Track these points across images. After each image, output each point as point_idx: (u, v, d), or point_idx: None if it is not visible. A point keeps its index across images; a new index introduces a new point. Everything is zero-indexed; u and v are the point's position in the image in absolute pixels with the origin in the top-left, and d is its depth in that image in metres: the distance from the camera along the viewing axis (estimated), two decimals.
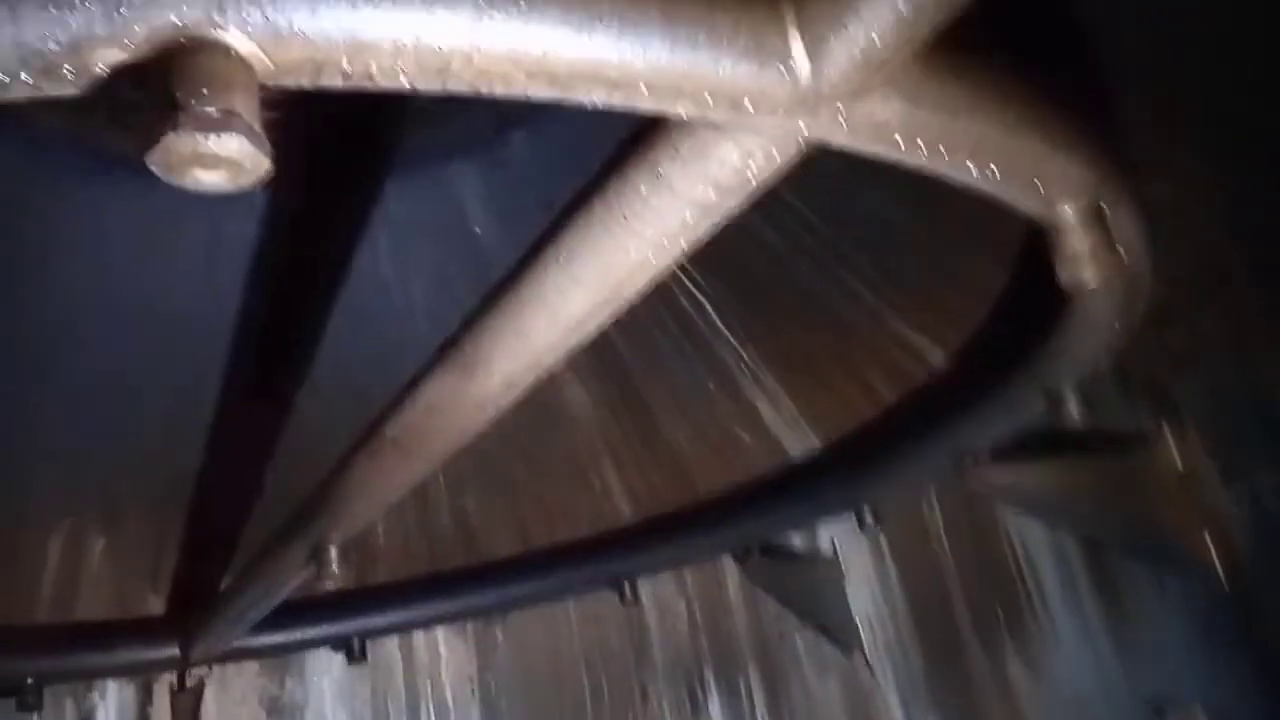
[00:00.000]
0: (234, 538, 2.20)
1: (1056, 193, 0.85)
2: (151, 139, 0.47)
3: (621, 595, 2.15)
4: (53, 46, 0.46)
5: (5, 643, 1.86)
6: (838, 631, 2.33)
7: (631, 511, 2.34)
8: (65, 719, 2.07)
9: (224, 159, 0.48)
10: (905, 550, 2.37)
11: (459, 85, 0.54)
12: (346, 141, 1.90)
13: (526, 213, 2.07)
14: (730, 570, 2.32)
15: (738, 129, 0.63)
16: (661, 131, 0.68)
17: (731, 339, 2.00)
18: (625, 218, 0.72)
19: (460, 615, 2.32)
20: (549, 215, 2.10)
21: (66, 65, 0.47)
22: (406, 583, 2.26)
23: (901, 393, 1.95)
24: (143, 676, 2.13)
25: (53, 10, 0.45)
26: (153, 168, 0.48)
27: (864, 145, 0.67)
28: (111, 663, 1.92)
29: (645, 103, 0.58)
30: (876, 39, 0.56)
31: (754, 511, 2.14)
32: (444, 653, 2.36)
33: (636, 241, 0.74)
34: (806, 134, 0.64)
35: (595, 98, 0.57)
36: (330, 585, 1.36)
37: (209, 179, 0.49)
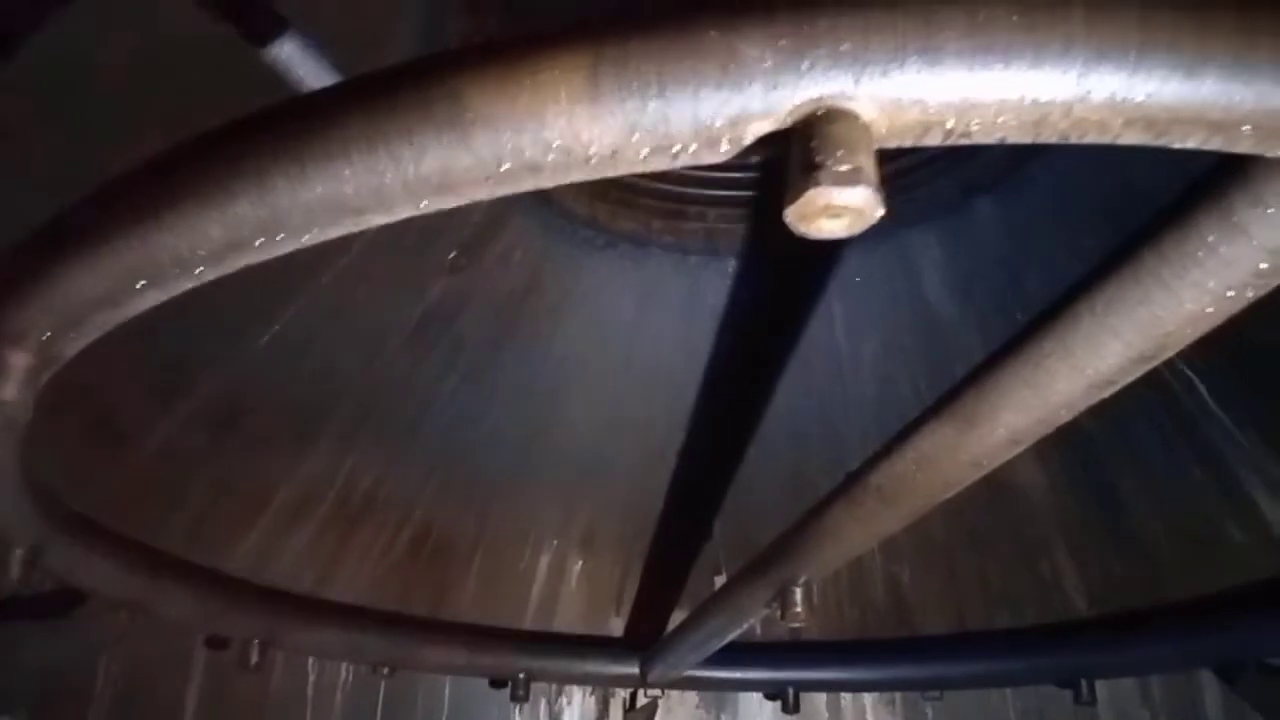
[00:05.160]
0: (683, 576, 2.40)
1: None
2: (793, 195, 0.56)
3: (1077, 694, 1.97)
4: (719, 121, 0.58)
5: (505, 642, 2.19)
6: None
7: (1086, 605, 2.15)
8: (540, 715, 2.38)
9: (849, 209, 0.56)
10: None
11: (1050, 135, 0.57)
12: None
13: (984, 280, 2.06)
14: (1210, 685, 2.02)
15: None
16: (1240, 175, 0.65)
17: (1227, 422, 1.78)
18: (1184, 267, 0.70)
19: (890, 685, 2.28)
20: (1010, 283, 2.04)
21: (727, 136, 0.59)
22: (839, 643, 2.28)
23: None
24: (602, 690, 2.39)
25: (725, 92, 0.57)
26: (788, 219, 0.57)
27: None
28: (584, 671, 2.17)
29: (1244, 145, 0.57)
30: None
31: (1246, 623, 1.85)
32: None
33: (1194, 293, 0.71)
34: None
35: (1190, 142, 0.57)
36: (795, 625, 1.43)
37: (830, 227, 0.58)
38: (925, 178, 1.93)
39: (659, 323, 2.18)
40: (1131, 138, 0.57)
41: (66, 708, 1.87)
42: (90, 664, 1.87)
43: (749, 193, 2.16)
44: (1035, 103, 0.55)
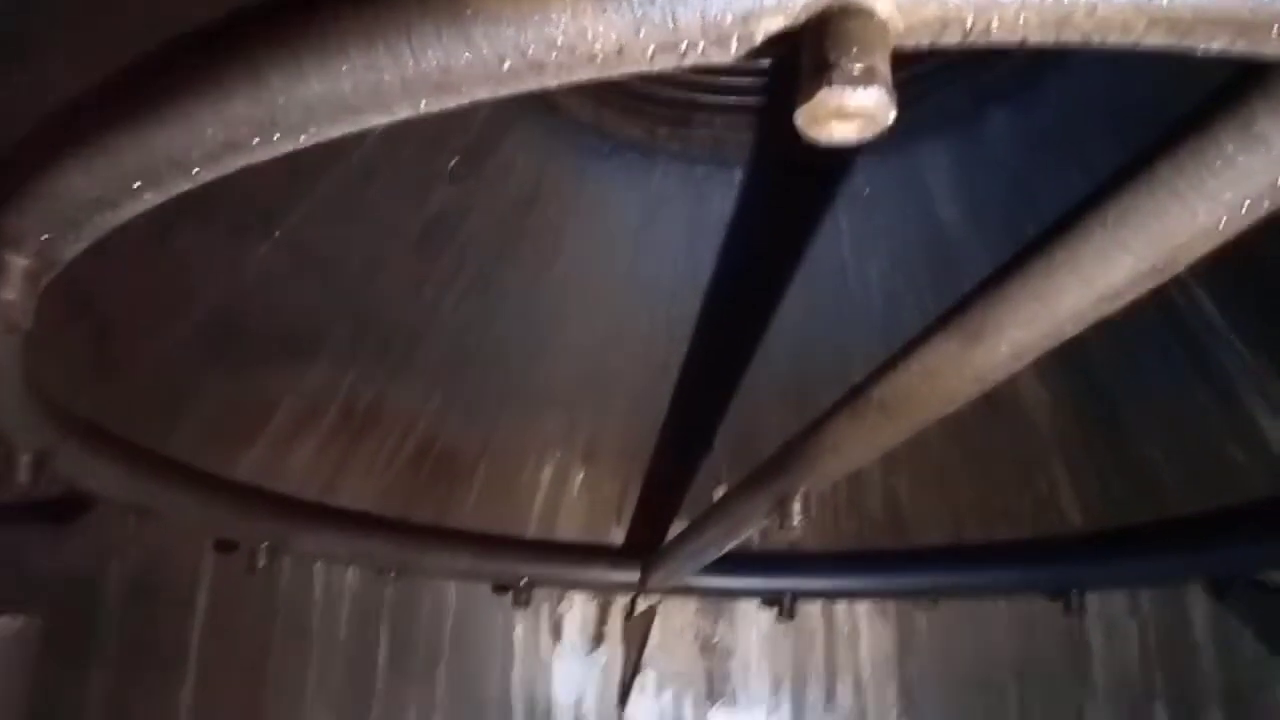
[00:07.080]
0: (684, 487, 2.44)
1: None
2: (804, 96, 0.54)
3: (1067, 605, 2.01)
4: (729, 18, 0.56)
5: (508, 549, 2.24)
6: None
7: (1082, 520, 2.18)
8: (542, 620, 2.45)
9: (862, 111, 0.54)
10: None
11: (1073, 36, 0.55)
12: None
13: (995, 194, 2.03)
14: (1197, 599, 2.07)
15: None
16: (1261, 84, 0.63)
17: (1233, 341, 1.77)
18: (1200, 178, 0.68)
19: (884, 593, 2.34)
20: (1021, 198, 2.01)
21: (737, 34, 0.57)
22: (835, 553, 2.33)
23: None
24: (602, 596, 2.44)
25: None
26: (798, 121, 0.56)
27: None
28: (584, 578, 2.22)
29: (1271, 48, 0.55)
30: None
31: (1240, 539, 1.88)
32: (863, 628, 2.40)
33: (1209, 205, 0.69)
34: None
35: (1215, 44, 0.55)
36: (792, 535, 1.45)
37: (842, 131, 0.56)
38: (936, 86, 1.87)
39: (663, 234, 2.16)
40: (1155, 39, 0.55)
41: (77, 612, 1.91)
42: (100, 568, 1.91)
43: (758, 100, 2.11)
44: (1058, 1, 0.53)
